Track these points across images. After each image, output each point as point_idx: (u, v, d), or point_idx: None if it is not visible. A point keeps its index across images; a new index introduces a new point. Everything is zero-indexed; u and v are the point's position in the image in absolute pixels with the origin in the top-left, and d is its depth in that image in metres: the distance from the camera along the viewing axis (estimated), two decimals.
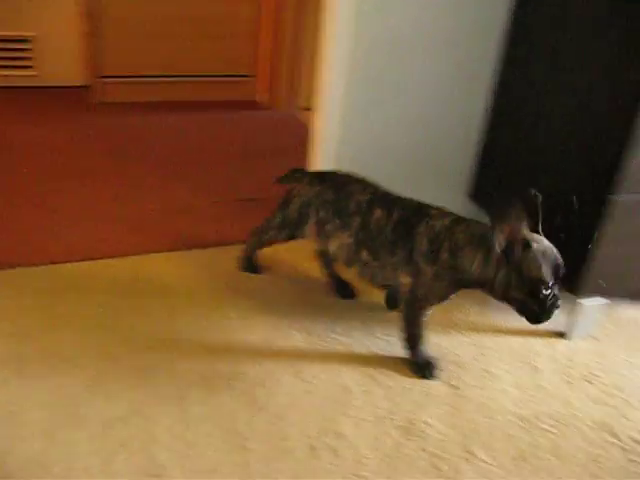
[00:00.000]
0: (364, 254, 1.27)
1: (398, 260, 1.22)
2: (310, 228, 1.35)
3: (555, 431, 1.17)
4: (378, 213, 1.25)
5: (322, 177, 1.37)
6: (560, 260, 1.13)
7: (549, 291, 1.12)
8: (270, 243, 1.47)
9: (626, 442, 1.16)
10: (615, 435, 1.17)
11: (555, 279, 1.12)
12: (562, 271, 1.13)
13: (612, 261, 1.32)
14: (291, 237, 1.41)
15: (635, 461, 1.12)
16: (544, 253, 1.11)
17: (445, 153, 1.70)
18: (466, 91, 1.63)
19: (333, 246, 1.32)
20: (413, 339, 1.27)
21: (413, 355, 1.28)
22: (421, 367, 1.27)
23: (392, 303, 1.44)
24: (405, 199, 1.27)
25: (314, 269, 1.52)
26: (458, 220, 1.19)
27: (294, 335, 1.34)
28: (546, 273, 1.11)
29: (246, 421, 1.12)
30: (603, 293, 1.37)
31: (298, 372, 1.24)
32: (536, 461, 1.11)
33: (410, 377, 1.26)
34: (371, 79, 1.56)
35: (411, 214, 1.22)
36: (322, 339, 1.34)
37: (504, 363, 1.33)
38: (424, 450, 1.10)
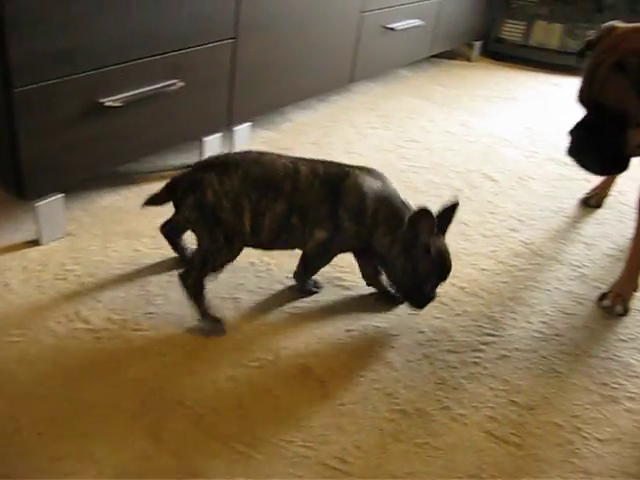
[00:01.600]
0: (294, 219, 1.19)
1: (321, 216, 1.19)
2: (245, 220, 1.17)
3: (23, 339, 1.14)
4: (305, 171, 1.19)
5: (230, 160, 1.18)
6: (450, 264, 1.19)
7: (432, 290, 1.21)
8: (222, 267, 1.20)
9: (96, 324, 1.20)
10: (86, 321, 1.20)
11: (441, 280, 1.20)
12: (449, 274, 1.19)
13: (44, 154, 1.29)
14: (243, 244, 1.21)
15: (102, 339, 1.15)
16: (440, 255, 1.17)
17: None
18: None
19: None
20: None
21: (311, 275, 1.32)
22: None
23: (372, 278, 1.33)
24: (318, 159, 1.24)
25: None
26: (382, 189, 1.20)
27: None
28: (435, 275, 1.19)
29: None
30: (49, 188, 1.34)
31: None
32: None
33: None
34: None
35: (335, 169, 1.21)
36: None
37: None
38: None
